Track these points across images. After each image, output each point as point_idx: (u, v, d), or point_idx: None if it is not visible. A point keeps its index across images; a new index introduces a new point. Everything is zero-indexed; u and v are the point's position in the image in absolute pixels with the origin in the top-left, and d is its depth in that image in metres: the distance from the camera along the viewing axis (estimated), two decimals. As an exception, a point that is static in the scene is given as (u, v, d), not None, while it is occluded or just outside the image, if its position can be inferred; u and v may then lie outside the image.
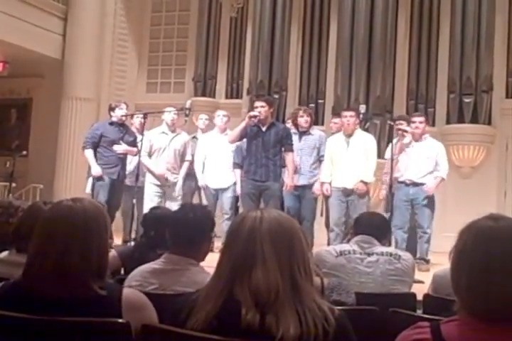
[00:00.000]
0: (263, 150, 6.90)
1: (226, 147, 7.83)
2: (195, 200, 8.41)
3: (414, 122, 7.24)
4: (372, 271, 3.64)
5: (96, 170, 7.53)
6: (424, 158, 7.16)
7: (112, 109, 7.81)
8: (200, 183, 8.06)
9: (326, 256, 3.71)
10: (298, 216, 7.11)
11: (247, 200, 6.99)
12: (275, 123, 7.15)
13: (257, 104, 7.06)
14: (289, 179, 6.99)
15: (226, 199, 7.98)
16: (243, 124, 6.97)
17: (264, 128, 6.94)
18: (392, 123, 7.21)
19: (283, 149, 7.01)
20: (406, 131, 7.09)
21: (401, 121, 7.46)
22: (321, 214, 7.82)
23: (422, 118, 7.36)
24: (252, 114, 6.97)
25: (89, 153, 7.63)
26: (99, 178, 7.54)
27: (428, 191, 7.10)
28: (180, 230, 2.97)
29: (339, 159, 7.25)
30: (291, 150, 7.03)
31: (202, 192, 8.27)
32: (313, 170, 7.40)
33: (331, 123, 8.36)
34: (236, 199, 7.98)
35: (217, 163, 7.94)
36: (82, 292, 2.00)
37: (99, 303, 2.00)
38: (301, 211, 7.29)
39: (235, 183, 7.85)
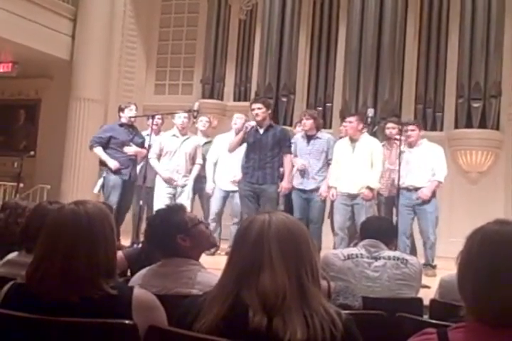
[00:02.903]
0: (260, 153, 6.89)
1: (239, 149, 7.82)
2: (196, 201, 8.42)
3: (406, 131, 7.23)
4: (379, 275, 3.64)
5: (113, 163, 7.51)
6: (421, 163, 7.15)
7: (121, 109, 7.84)
8: (209, 188, 8.06)
9: (333, 259, 3.71)
10: (305, 219, 7.11)
11: (245, 202, 6.99)
12: (273, 126, 7.11)
13: (254, 106, 7.01)
14: (285, 181, 6.98)
15: (237, 202, 7.96)
16: (240, 136, 7.01)
17: (261, 131, 6.93)
18: (400, 128, 7.20)
19: (281, 151, 6.97)
20: (397, 140, 7.10)
21: (392, 125, 7.50)
22: (328, 217, 7.81)
23: (412, 126, 7.31)
24: (248, 125, 6.99)
25: (99, 150, 7.62)
26: (117, 171, 7.53)
27: (422, 197, 7.08)
28: (151, 233, 3.01)
29: (344, 164, 7.24)
30: (289, 152, 7.01)
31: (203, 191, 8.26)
32: (322, 173, 7.37)
33: (341, 126, 8.28)
34: None
35: (229, 165, 7.92)
36: (92, 292, 2.01)
37: (109, 303, 2.01)
38: (309, 214, 7.28)
39: None
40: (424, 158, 7.19)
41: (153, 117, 7.48)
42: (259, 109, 6.92)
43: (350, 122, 7.23)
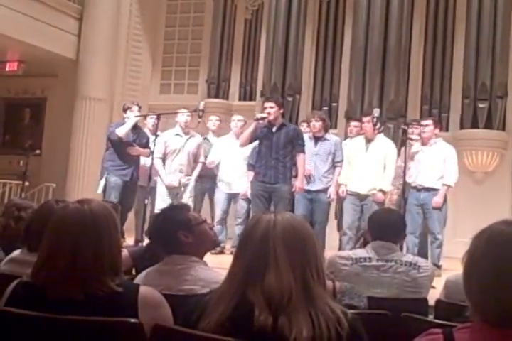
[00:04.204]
0: (273, 151, 6.80)
1: (241, 152, 7.80)
2: (206, 202, 8.42)
3: (422, 126, 7.19)
4: (388, 281, 3.53)
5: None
6: (433, 162, 7.12)
7: (124, 110, 7.84)
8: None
9: (340, 263, 3.60)
10: (310, 220, 7.08)
11: (256, 202, 6.92)
12: (286, 124, 7.03)
13: (266, 104, 6.93)
14: (298, 181, 6.89)
15: (240, 204, 7.97)
16: (252, 127, 6.87)
17: (274, 129, 6.85)
18: (405, 128, 7.17)
19: (294, 150, 6.91)
20: (411, 139, 7.05)
21: (415, 125, 7.44)
22: (335, 217, 7.79)
23: (428, 122, 7.28)
24: (259, 115, 6.91)
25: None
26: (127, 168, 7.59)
27: (435, 205, 7.07)
28: (154, 230, 3.02)
29: (356, 163, 7.23)
30: (302, 152, 6.91)
31: (214, 192, 8.25)
32: (328, 175, 7.35)
33: (350, 126, 8.21)
34: (249, 202, 7.94)
35: (232, 167, 7.93)
36: (98, 289, 2.01)
37: (115, 300, 2.02)
38: (313, 215, 7.26)
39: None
40: (436, 158, 7.15)
41: (158, 117, 7.46)
42: (271, 108, 6.82)
43: (368, 122, 7.21)
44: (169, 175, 7.73)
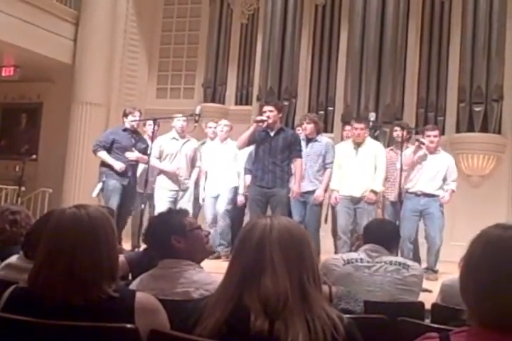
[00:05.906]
0: (270, 155, 6.80)
1: (226, 156, 7.89)
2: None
3: (428, 136, 7.18)
4: (379, 279, 3.61)
5: (119, 165, 7.50)
6: (437, 170, 7.14)
7: (125, 115, 7.81)
8: (201, 199, 8.10)
9: (333, 264, 3.68)
10: (304, 222, 7.08)
11: (254, 206, 6.91)
12: (284, 129, 7.04)
13: (266, 108, 6.93)
14: (295, 185, 6.91)
15: (220, 204, 7.98)
16: (251, 129, 6.85)
17: (272, 134, 6.84)
18: (399, 129, 7.20)
19: (291, 155, 6.92)
20: (423, 144, 7.06)
21: (396, 128, 7.49)
22: (325, 222, 7.79)
23: (436, 132, 7.29)
24: (259, 118, 6.90)
25: (103, 154, 7.60)
26: (122, 173, 7.53)
27: (445, 202, 7.10)
28: (148, 233, 3.02)
29: (347, 167, 7.24)
30: (300, 157, 6.93)
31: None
32: (319, 176, 7.35)
33: (345, 131, 8.26)
34: (235, 202, 7.96)
35: (217, 171, 7.97)
36: (95, 295, 2.01)
37: (112, 306, 2.01)
38: (304, 217, 7.25)
39: (235, 188, 7.89)
40: (440, 166, 7.18)
41: (154, 122, 7.46)
42: (270, 111, 6.81)
43: (361, 129, 7.24)
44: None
